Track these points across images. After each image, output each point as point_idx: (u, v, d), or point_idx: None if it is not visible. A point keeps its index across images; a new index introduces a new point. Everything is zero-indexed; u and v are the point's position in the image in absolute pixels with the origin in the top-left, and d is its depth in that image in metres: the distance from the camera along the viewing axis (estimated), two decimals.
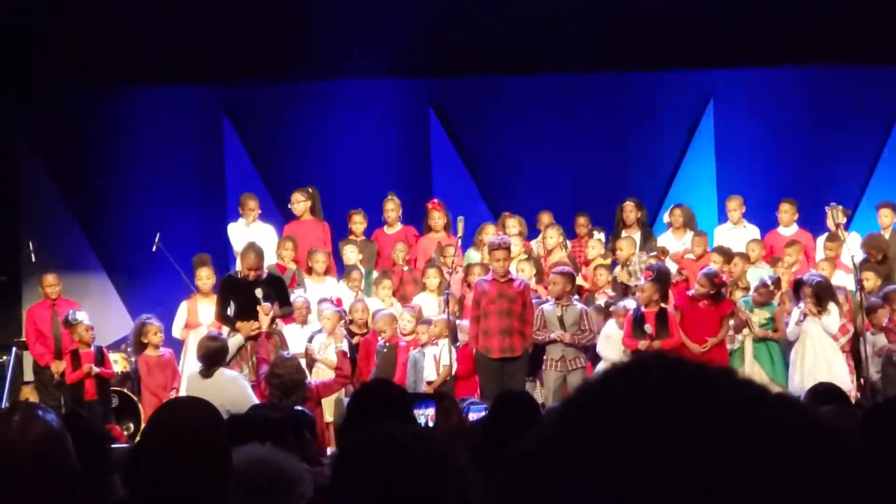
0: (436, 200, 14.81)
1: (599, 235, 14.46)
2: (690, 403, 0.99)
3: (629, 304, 12.49)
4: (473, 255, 14.04)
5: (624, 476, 0.95)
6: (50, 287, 13.42)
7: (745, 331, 12.27)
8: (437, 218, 14.48)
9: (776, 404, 1.01)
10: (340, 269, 14.27)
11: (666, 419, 0.97)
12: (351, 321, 12.91)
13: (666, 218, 14.74)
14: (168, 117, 15.84)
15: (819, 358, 11.74)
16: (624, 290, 13.39)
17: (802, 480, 0.96)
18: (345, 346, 12.04)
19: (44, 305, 13.44)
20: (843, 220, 13.69)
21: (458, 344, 12.23)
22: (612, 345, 12.16)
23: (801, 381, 11.14)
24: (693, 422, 0.97)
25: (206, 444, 3.40)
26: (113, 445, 5.76)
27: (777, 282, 12.69)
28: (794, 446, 0.98)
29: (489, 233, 14.03)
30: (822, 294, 11.87)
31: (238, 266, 12.65)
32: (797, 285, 12.16)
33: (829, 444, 0.99)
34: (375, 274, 14.03)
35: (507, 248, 12.10)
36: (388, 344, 12.38)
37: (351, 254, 14.10)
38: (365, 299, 13.43)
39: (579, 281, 13.37)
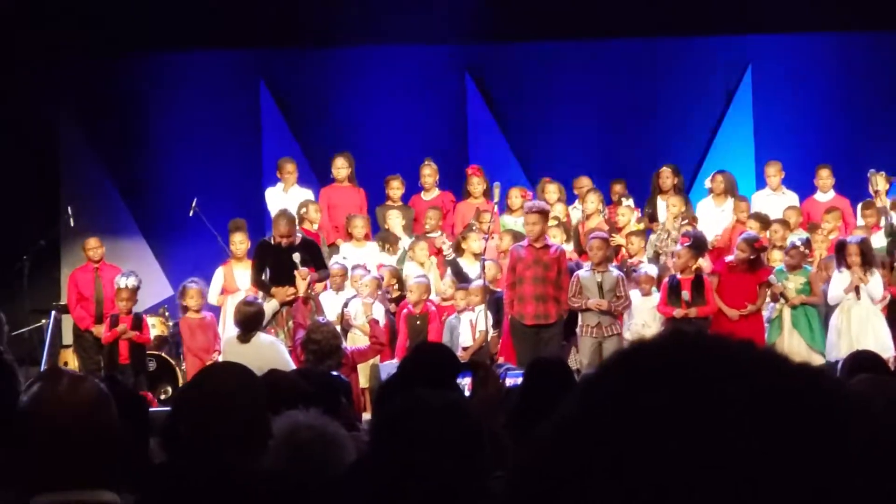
0: (475, 166, 14.79)
1: (629, 202, 14.40)
2: (704, 384, 0.99)
3: (650, 269, 12.46)
4: (508, 221, 14.04)
5: (641, 455, 0.97)
6: (92, 250, 13.50)
7: (782, 300, 12.20)
8: (477, 184, 14.46)
9: (797, 377, 1.02)
10: (375, 234, 14.29)
11: (680, 400, 0.98)
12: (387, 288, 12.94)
13: (707, 184, 14.65)
14: (206, 83, 15.88)
15: (865, 324, 11.66)
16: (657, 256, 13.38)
17: (824, 454, 0.97)
18: (378, 314, 12.06)
19: (86, 269, 13.52)
20: (887, 187, 13.56)
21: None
22: (635, 313, 12.15)
23: (847, 347, 11.03)
24: (706, 401, 0.98)
25: (244, 408, 3.43)
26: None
27: (807, 242, 12.61)
28: (815, 421, 0.98)
29: (513, 196, 14.08)
30: (868, 253, 11.78)
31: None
32: (839, 248, 12.06)
33: (853, 417, 1.00)
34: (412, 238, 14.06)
35: (540, 212, 12.01)
36: (419, 314, 12.42)
37: (395, 220, 14.10)
38: (403, 264, 13.50)
39: (619, 241, 13.37)
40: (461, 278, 12.85)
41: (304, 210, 13.75)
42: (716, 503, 0.95)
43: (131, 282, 12.67)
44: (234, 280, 13.25)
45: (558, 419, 1.04)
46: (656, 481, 0.96)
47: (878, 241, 12.99)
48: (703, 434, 0.97)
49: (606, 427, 0.99)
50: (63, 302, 14.52)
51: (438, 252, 13.66)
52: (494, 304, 12.34)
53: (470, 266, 13.21)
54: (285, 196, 14.21)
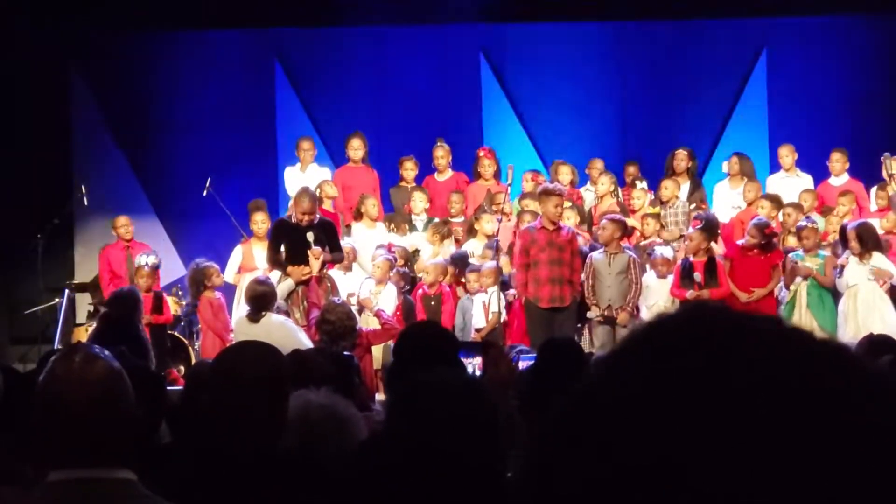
0: (486, 148, 14.78)
1: (642, 185, 14.39)
2: (730, 352, 0.99)
3: (666, 252, 12.46)
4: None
5: (658, 425, 0.96)
6: (122, 227, 13.63)
7: (798, 279, 12.19)
8: (487, 166, 14.47)
9: (823, 353, 1.01)
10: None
11: (704, 368, 0.98)
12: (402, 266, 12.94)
13: (725, 167, 14.65)
14: (220, 62, 15.89)
15: (871, 308, 11.65)
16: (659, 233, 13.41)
17: (856, 431, 0.96)
18: (389, 297, 12.06)
19: (117, 246, 13.62)
20: None
21: (510, 293, 12.24)
22: (651, 295, 12.14)
23: (854, 332, 11.05)
24: (729, 373, 0.97)
25: (268, 388, 3.43)
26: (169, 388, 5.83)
27: (813, 223, 12.60)
28: (842, 396, 0.98)
29: (526, 179, 14.09)
30: (866, 236, 11.72)
31: (291, 210, 12.66)
32: (842, 232, 12.06)
33: (884, 395, 0.99)
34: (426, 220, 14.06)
35: (562, 195, 12.05)
36: (433, 294, 12.42)
37: (420, 202, 14.08)
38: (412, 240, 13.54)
39: (632, 222, 13.37)
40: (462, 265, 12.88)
41: (318, 191, 13.75)
42: (733, 474, 0.95)
43: (151, 260, 12.76)
44: (253, 259, 13.27)
45: (581, 388, 1.04)
46: (674, 450, 0.96)
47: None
48: (721, 408, 0.96)
49: (628, 396, 0.99)
50: (77, 280, 14.57)
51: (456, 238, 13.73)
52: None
53: (480, 247, 13.21)
54: (303, 175, 14.21)
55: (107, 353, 2.78)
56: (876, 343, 5.71)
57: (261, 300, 10.42)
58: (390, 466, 2.86)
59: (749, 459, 0.95)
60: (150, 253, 12.98)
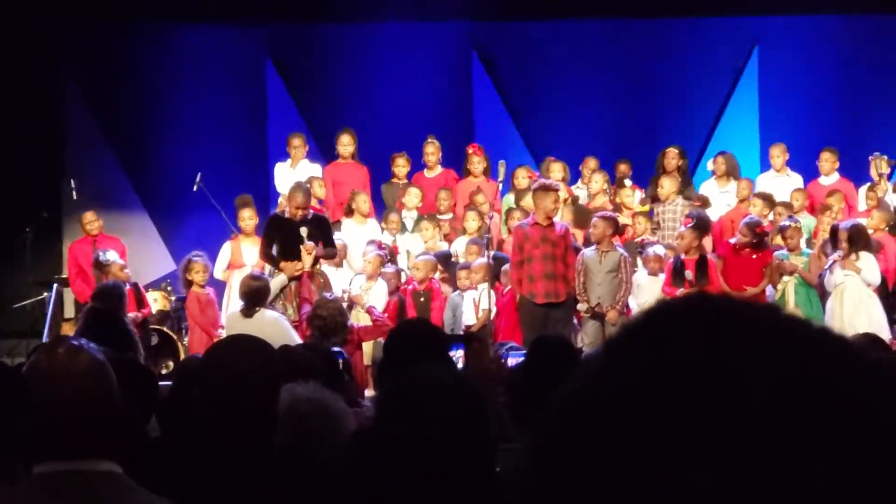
0: (476, 144, 14.78)
1: (629, 183, 14.39)
2: (726, 340, 0.98)
3: (658, 249, 12.47)
4: (511, 200, 14.05)
5: (655, 416, 0.96)
6: (89, 224, 13.59)
7: (785, 277, 12.22)
8: (477, 162, 14.46)
9: (818, 341, 1.01)
10: (381, 211, 14.31)
11: (700, 356, 0.97)
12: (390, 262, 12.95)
13: (710, 166, 14.67)
14: (212, 58, 15.88)
15: (858, 306, 11.68)
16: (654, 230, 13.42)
17: (851, 419, 0.96)
18: (380, 293, 12.06)
19: (85, 241, 13.59)
20: (888, 171, 13.59)
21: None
22: (642, 293, 12.13)
23: (840, 329, 11.04)
24: (728, 359, 0.97)
25: (259, 382, 3.43)
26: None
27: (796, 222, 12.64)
28: (837, 384, 0.98)
29: (520, 176, 14.08)
30: (857, 237, 11.75)
31: (284, 205, 12.64)
32: (833, 232, 12.08)
33: (879, 383, 0.99)
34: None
35: (557, 191, 12.04)
36: (423, 291, 12.43)
37: (414, 197, 14.06)
38: (402, 240, 13.53)
39: (624, 220, 13.37)
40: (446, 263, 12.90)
41: (307, 186, 13.74)
42: (729, 462, 0.94)
43: (114, 254, 12.65)
44: (241, 255, 13.26)
45: (575, 382, 1.03)
46: (670, 440, 0.95)
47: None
48: (716, 396, 0.96)
49: (623, 387, 0.98)
50: (65, 275, 14.55)
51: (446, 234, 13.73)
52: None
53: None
54: (293, 171, 14.20)
55: (91, 345, 2.76)
56: (866, 343, 5.73)
57: (255, 295, 10.42)
58: (380, 461, 2.85)
59: (744, 447, 0.94)
60: (105, 250, 12.89)
